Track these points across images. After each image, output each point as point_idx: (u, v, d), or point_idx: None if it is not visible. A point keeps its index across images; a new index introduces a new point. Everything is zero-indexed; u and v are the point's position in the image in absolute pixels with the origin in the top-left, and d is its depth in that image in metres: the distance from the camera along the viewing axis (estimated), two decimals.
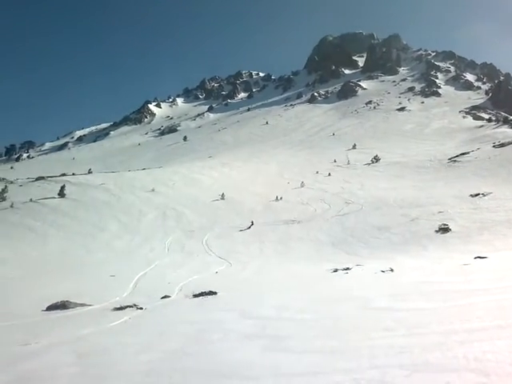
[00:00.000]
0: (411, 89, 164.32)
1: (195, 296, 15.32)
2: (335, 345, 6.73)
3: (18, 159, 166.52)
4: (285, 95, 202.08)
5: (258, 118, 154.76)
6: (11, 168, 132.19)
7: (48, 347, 8.69)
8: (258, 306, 11.85)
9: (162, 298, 16.60)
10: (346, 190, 55.13)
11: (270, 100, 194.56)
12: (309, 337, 7.48)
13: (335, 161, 78.29)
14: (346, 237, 36.21)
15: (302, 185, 60.16)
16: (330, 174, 66.76)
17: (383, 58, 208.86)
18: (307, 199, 52.44)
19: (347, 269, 21.91)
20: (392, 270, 18.19)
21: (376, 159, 73.56)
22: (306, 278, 20.44)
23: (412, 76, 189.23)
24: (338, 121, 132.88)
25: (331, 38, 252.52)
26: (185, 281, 23.09)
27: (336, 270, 22.04)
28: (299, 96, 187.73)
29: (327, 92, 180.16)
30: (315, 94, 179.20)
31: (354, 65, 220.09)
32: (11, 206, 50.77)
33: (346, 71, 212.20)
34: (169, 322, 10.82)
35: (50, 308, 15.57)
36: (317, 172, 69.62)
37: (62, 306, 15.54)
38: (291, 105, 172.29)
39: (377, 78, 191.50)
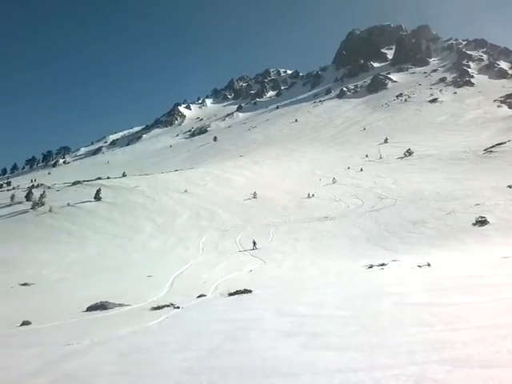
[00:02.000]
0: (443, 79, 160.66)
1: (230, 294, 15.40)
2: (374, 341, 6.65)
3: (54, 165, 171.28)
4: (313, 91, 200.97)
5: (287, 116, 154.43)
6: (48, 173, 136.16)
7: (90, 346, 8.90)
8: (293, 304, 11.81)
9: (198, 296, 16.77)
10: (378, 185, 54.39)
11: (298, 97, 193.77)
12: (346, 333, 7.41)
13: (367, 156, 77.38)
14: (380, 232, 35.71)
15: (334, 181, 59.71)
16: (361, 169, 66.02)
17: (413, 50, 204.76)
18: (339, 195, 52.01)
19: (383, 264, 21.60)
20: (429, 265, 17.82)
21: (409, 152, 72.28)
22: (341, 275, 20.25)
23: (443, 66, 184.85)
24: (369, 115, 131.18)
25: (359, 32, 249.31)
26: (220, 280, 23.27)
27: (371, 266, 21.76)
28: (328, 92, 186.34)
29: (356, 86, 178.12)
30: (344, 88, 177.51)
31: (382, 58, 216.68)
32: (50, 211, 52.30)
33: (375, 64, 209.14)
34: (205, 320, 10.91)
35: (90, 309, 15.96)
36: (348, 168, 68.95)
37: (102, 306, 15.90)
38: (320, 101, 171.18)
39: (407, 70, 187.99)
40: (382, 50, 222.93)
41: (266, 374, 5.51)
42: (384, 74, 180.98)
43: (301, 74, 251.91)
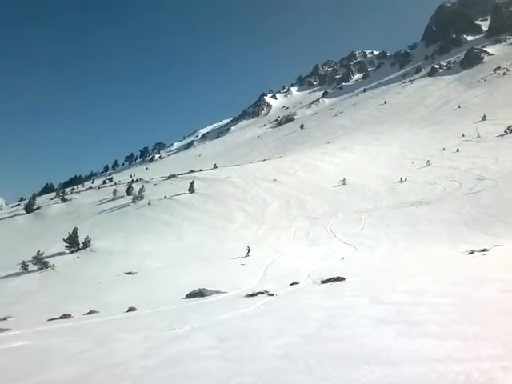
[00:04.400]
0: None
1: (323, 282, 15.37)
2: (478, 330, 6.30)
3: (151, 160, 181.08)
4: (402, 71, 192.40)
5: (375, 99, 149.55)
6: (146, 169, 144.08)
7: (190, 332, 9.34)
8: (389, 291, 11.52)
9: (291, 284, 16.93)
10: (477, 166, 51.10)
11: (386, 78, 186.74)
12: (448, 322, 7.09)
13: (463, 135, 72.78)
14: (480, 216, 33.63)
15: (428, 163, 57.05)
16: (458, 150, 62.34)
17: (511, 18, 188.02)
18: (434, 178, 49.65)
19: (485, 250, 20.40)
20: None
21: (510, 130, 66.90)
22: (438, 262, 19.40)
23: None
24: (464, 92, 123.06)
25: (449, 4, 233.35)
26: (312, 267, 23.30)
27: (472, 252, 20.63)
28: (418, 70, 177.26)
29: (449, 62, 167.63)
30: (435, 66, 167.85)
31: (477, 30, 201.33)
32: (149, 204, 55.38)
33: (469, 38, 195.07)
34: (299, 307, 10.98)
35: (189, 295, 16.75)
36: (443, 149, 65.42)
37: (200, 293, 16.63)
38: (410, 80, 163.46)
39: (505, 41, 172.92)
40: (476, 22, 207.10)
41: (364, 361, 5.44)
42: (479, 47, 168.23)
43: (388, 54, 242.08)
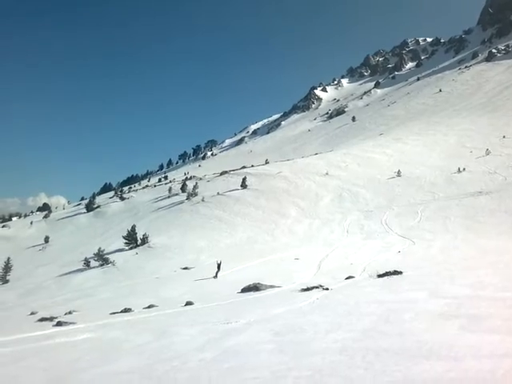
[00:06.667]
0: None
1: (380, 276, 15.09)
2: None
3: (203, 157, 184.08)
4: (457, 57, 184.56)
5: (429, 87, 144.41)
6: (199, 166, 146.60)
7: (246, 325, 9.46)
8: (448, 285, 11.18)
9: (346, 278, 16.74)
10: None
11: (441, 65, 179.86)
12: None
13: None
14: None
15: (488, 152, 54.57)
16: None
17: None
18: (495, 167, 47.47)
19: None
20: None
21: None
22: (502, 255, 18.57)
23: None
24: None
25: None
26: (367, 261, 22.93)
27: None
28: (474, 56, 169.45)
29: (508, 46, 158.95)
30: (493, 50, 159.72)
31: None
32: (202, 200, 56.33)
33: None
34: (356, 301, 10.85)
35: (244, 290, 16.94)
36: (504, 136, 62.33)
37: (255, 288, 16.78)
38: (466, 67, 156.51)
39: None
40: None
41: (425, 357, 5.31)
42: None
43: (442, 41, 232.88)
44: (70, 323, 13.12)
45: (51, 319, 15.05)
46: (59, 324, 13.23)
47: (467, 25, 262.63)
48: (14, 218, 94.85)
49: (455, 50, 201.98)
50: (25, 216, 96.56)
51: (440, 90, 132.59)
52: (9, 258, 41.30)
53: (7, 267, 40.50)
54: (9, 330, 13.10)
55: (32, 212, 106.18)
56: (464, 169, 49.01)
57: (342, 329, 7.75)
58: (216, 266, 25.69)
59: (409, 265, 18.03)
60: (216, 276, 24.76)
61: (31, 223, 73.04)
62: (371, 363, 5.38)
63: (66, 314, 17.27)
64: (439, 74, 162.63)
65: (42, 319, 15.61)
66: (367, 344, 6.41)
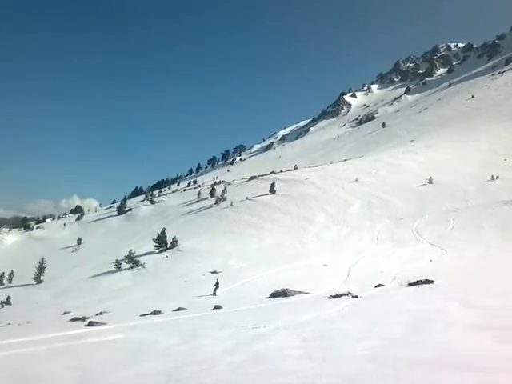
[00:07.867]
0: None
1: (410, 285, 14.86)
2: None
3: (232, 162, 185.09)
4: (490, 63, 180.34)
5: (461, 93, 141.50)
6: (228, 171, 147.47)
7: (275, 330, 9.46)
8: (482, 295, 10.93)
9: (376, 286, 16.56)
10: None
11: (473, 71, 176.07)
12: None
13: None
14: None
15: None
16: None
17: None
18: None
19: None
20: None
21: None
22: None
23: None
24: None
25: None
26: (397, 269, 22.62)
27: None
28: (508, 61, 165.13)
29: None
30: None
31: None
32: (231, 205, 56.66)
33: None
34: (386, 310, 10.72)
35: (273, 295, 16.95)
36: None
37: (283, 293, 16.77)
38: (499, 72, 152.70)
39: None
40: None
41: (457, 368, 5.21)
42: None
43: (474, 46, 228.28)
44: (101, 324, 13.38)
45: (83, 319, 15.41)
46: (91, 324, 13.52)
47: (500, 30, 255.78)
48: (47, 220, 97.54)
49: (488, 55, 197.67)
50: (58, 218, 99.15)
51: (472, 96, 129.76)
52: (43, 259, 42.48)
53: (41, 267, 41.68)
54: (43, 328, 13.48)
55: (65, 214, 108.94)
56: (497, 177, 47.85)
57: (371, 337, 7.68)
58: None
59: (440, 274, 17.69)
60: (215, 293, 22.68)
61: (64, 225, 74.95)
62: (401, 372, 5.32)
63: (97, 314, 17.65)
64: (471, 80, 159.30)
65: (75, 319, 16.00)
66: (397, 353, 6.33)
